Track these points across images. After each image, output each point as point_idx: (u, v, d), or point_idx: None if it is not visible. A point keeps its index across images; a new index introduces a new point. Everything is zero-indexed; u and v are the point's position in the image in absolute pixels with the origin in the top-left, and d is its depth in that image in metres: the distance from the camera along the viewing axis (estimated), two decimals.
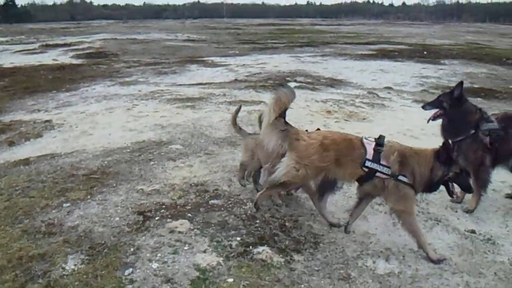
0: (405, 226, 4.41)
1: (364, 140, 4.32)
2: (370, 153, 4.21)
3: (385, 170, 4.20)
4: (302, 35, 36.16)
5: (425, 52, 23.32)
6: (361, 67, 17.54)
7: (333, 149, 4.26)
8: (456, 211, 5.72)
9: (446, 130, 5.75)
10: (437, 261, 4.40)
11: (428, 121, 5.97)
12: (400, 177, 4.20)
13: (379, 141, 4.30)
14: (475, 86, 14.52)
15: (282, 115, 4.38)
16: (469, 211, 5.69)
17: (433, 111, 5.92)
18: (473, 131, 5.55)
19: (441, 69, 17.45)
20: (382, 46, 25.90)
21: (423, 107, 6.00)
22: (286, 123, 4.43)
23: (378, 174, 4.22)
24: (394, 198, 4.28)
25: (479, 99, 12.65)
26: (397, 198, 4.26)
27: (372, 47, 25.54)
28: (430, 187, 4.36)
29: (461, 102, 5.69)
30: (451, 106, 5.61)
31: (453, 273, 4.44)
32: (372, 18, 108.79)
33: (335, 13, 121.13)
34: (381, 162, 4.19)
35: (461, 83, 5.80)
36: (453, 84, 13.84)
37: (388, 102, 11.34)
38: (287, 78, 14.41)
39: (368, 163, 4.21)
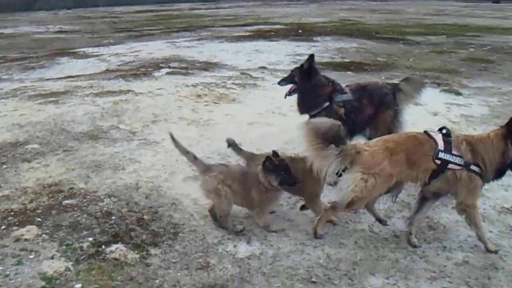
0: (471, 220, 4.27)
1: (430, 133, 4.12)
2: (441, 144, 3.99)
3: (458, 160, 3.98)
4: (180, 20, 35.40)
5: (300, 31, 23.69)
6: (236, 48, 17.46)
7: (401, 150, 4.00)
8: None
9: (301, 105, 5.75)
10: (495, 252, 4.37)
11: (285, 97, 5.94)
12: (472, 167, 3.99)
13: (447, 132, 4.12)
14: (346, 60, 14.98)
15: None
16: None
17: (289, 86, 5.90)
18: (327, 104, 5.59)
19: (314, 46, 17.81)
20: (259, 27, 26.00)
21: (278, 83, 5.97)
22: (335, 141, 4.03)
23: (450, 166, 3.98)
24: (466, 191, 4.08)
25: (349, 72, 13.07)
26: (468, 191, 4.07)
27: (249, 28, 25.57)
28: (501, 172, 4.16)
29: (312, 75, 5.71)
30: (302, 80, 5.59)
31: (314, 247, 4.44)
32: (251, 0, 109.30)
33: None
34: (453, 152, 3.96)
35: (311, 56, 5.81)
36: (325, 60, 14.25)
37: (260, 82, 11.34)
38: (161, 65, 13.97)
39: (441, 154, 3.96)
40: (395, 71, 13.26)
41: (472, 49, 17.96)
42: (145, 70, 13.20)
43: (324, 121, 4.25)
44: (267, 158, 4.19)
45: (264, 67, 13.90)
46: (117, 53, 17.46)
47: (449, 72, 13.18)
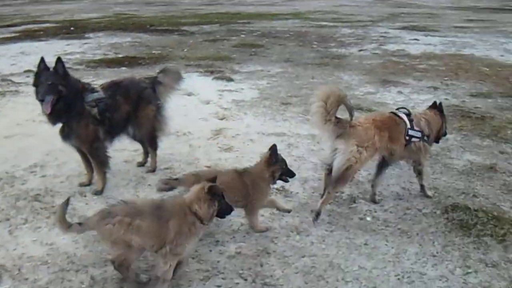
0: (422, 176, 5.20)
1: (399, 114, 4.86)
2: (408, 123, 4.77)
3: (418, 134, 4.80)
4: None
5: (72, 28, 22.31)
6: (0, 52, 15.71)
7: (386, 128, 4.67)
8: (85, 196, 5.24)
9: (58, 113, 5.00)
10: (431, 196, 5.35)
11: (50, 113, 5.03)
12: (425, 138, 4.88)
13: (408, 112, 4.93)
14: (120, 56, 14.36)
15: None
16: (97, 192, 5.27)
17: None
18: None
19: (86, 43, 16.86)
20: (27, 27, 23.91)
21: (42, 100, 4.81)
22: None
23: (413, 139, 4.78)
24: (422, 156, 4.98)
25: (123, 68, 12.53)
26: (423, 156, 4.99)
27: (16, 29, 23.35)
28: (438, 140, 5.30)
29: (69, 79, 5.09)
30: (66, 86, 4.90)
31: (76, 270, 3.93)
32: None
33: None
34: (415, 128, 4.78)
35: (59, 58, 5.12)
36: (98, 58, 13.46)
37: (24, 87, 10.23)
38: None
39: (410, 132, 4.75)
40: (170, 63, 13.05)
41: (243, 36, 18.63)
42: None
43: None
44: (210, 187, 3.52)
45: (30, 70, 12.59)
46: None
47: (222, 59, 13.41)
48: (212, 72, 11.52)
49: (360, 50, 15.03)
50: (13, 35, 20.48)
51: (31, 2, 64.36)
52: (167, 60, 13.62)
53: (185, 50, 15.36)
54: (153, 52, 15.10)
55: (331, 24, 22.98)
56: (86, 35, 18.98)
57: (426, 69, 11.99)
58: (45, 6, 50.95)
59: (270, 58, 13.73)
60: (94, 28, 21.66)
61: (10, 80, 11.19)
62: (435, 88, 9.97)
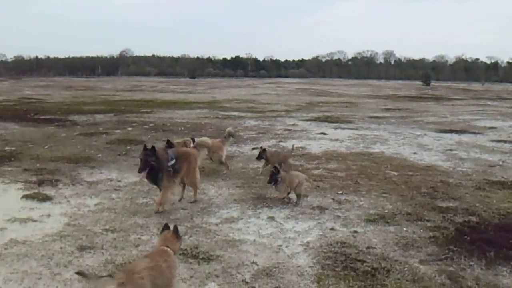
0: None
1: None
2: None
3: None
4: None
5: None
6: None
7: None
8: None
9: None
10: None
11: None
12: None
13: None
14: None
15: None
16: None
17: None
18: None
19: None
20: None
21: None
22: None
23: None
24: None
25: None
26: None
27: None
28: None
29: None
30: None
31: None
32: None
33: None
34: None
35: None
36: None
37: None
38: None
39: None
40: (15, 163, 9.98)
41: (130, 129, 15.91)
42: None
43: None
44: None
45: None
46: None
47: (79, 160, 10.48)
48: (41, 183, 8.48)
49: (254, 149, 12.44)
50: None
51: None
52: (15, 160, 10.52)
53: (47, 146, 12.35)
54: (6, 148, 11.98)
55: (240, 114, 20.70)
56: None
57: (321, 176, 9.38)
58: None
59: (129, 163, 10.87)
60: None
61: None
62: (322, 210, 7.24)
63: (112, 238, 5.79)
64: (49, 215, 6.64)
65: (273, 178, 7.49)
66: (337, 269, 4.99)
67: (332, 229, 6.30)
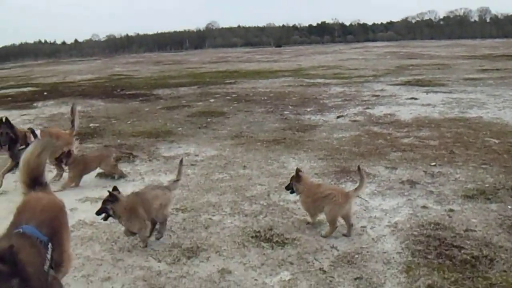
0: None
1: None
2: None
3: None
4: None
5: (45, 93, 19.96)
6: None
7: None
8: None
9: None
10: None
11: None
12: None
13: None
14: None
15: None
16: None
17: None
18: None
19: (24, 114, 14.11)
20: (2, 92, 21.89)
21: None
22: None
23: None
24: None
25: None
26: None
27: None
28: None
29: None
30: None
31: None
32: (45, 57, 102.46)
33: (3, 56, 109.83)
34: None
35: None
36: None
37: None
38: None
39: None
40: (97, 140, 10.05)
41: (212, 100, 15.64)
42: None
43: None
44: None
45: None
46: None
47: (160, 134, 10.33)
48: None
49: (339, 117, 11.71)
50: None
51: (52, 62, 63.94)
52: (97, 136, 10.62)
53: (129, 122, 12.34)
54: (90, 125, 12.11)
55: (325, 81, 19.86)
56: (34, 104, 16.21)
57: (411, 145, 8.53)
58: (57, 66, 49.67)
59: (219, 132, 10.57)
60: (65, 93, 19.25)
61: None
62: (413, 184, 6.45)
63: (182, 218, 5.41)
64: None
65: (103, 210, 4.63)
66: (429, 257, 4.26)
67: (424, 207, 5.53)
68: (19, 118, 13.51)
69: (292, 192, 5.18)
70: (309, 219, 5.10)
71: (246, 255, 4.42)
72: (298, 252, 4.45)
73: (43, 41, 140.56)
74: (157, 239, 4.74)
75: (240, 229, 5.03)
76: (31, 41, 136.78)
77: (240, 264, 4.26)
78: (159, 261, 4.37)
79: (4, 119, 6.55)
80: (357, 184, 4.99)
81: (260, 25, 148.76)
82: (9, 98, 19.04)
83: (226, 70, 30.62)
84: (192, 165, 7.87)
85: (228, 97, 16.09)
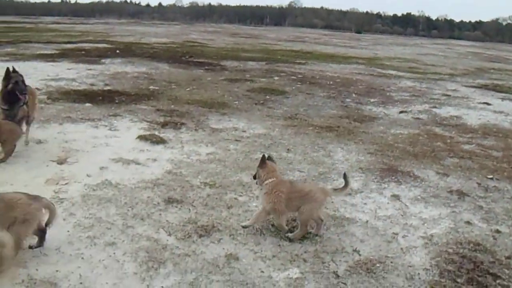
0: None
1: None
2: None
3: None
4: (22, 33, 30.65)
5: (117, 51, 20.40)
6: None
7: None
8: None
9: None
10: None
11: None
12: None
13: None
14: (106, 88, 11.66)
15: None
16: None
17: None
18: None
19: (90, 69, 14.35)
20: (79, 45, 22.53)
21: None
22: None
23: None
24: None
25: (87, 104, 9.73)
26: None
27: (66, 46, 21.85)
28: None
29: None
30: None
31: None
32: (128, 17, 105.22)
33: (89, 12, 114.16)
34: None
35: None
36: (76, 88, 10.67)
37: None
38: None
39: None
40: (152, 102, 10.06)
41: (276, 78, 15.35)
42: None
43: None
44: None
45: None
46: None
47: (214, 106, 10.22)
48: (165, 125, 8.29)
49: (401, 112, 11.14)
50: (49, 52, 18.66)
51: (129, 23, 65.43)
52: (153, 99, 10.64)
53: (188, 89, 12.30)
54: (150, 87, 12.17)
55: (398, 73, 19.07)
56: (102, 60, 16.51)
57: (471, 153, 7.92)
58: (135, 27, 50.72)
59: (274, 111, 10.31)
60: (136, 54, 19.52)
61: None
62: (462, 196, 5.93)
63: (207, 194, 5.21)
64: (155, 160, 6.28)
65: None
66: (458, 280, 3.84)
67: (468, 222, 5.05)
68: (84, 72, 13.77)
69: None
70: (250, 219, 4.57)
71: (260, 243, 4.17)
72: (316, 249, 4.15)
73: (128, 1, 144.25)
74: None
75: None
76: (117, 0, 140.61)
77: (251, 252, 4.02)
78: (169, 235, 4.20)
79: (12, 69, 5.75)
80: (341, 186, 4.55)
81: (344, 9, 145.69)
82: (83, 52, 19.48)
83: (300, 50, 30.12)
84: (236, 140, 7.65)
85: (293, 77, 15.73)
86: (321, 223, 4.42)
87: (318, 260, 3.94)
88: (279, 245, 4.13)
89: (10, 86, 5.58)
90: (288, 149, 7.29)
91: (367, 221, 4.83)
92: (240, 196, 5.23)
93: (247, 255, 3.93)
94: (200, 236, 4.18)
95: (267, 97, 11.83)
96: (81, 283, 3.42)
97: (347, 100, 12.28)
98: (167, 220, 4.46)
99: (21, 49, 19.16)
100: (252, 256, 3.91)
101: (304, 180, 5.88)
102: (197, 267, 3.70)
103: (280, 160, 6.60)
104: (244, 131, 8.29)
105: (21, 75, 5.75)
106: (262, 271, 3.70)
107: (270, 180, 4.30)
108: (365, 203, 5.36)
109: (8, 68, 5.81)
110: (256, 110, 10.22)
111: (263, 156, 4.45)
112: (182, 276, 3.57)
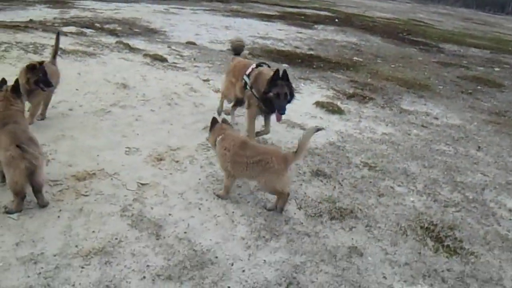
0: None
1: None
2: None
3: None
4: None
5: (336, 20, 20.42)
6: (217, 22, 14.68)
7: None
8: None
9: None
10: None
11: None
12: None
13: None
14: (310, 52, 11.67)
15: None
16: None
17: None
18: None
19: (301, 32, 14.48)
20: (302, 11, 23.00)
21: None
22: None
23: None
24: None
25: (284, 65, 9.78)
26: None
27: (288, 10, 22.51)
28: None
29: None
30: None
31: None
32: None
33: None
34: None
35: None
36: (280, 48, 10.89)
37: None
38: (96, 24, 11.57)
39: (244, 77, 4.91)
40: (349, 73, 9.75)
41: (497, 69, 13.64)
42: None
43: None
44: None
45: (191, 43, 11.01)
46: None
47: (416, 87, 9.44)
48: (350, 97, 7.84)
49: None
50: (269, 13, 19.48)
51: None
52: (351, 71, 10.27)
53: (393, 66, 11.61)
54: (353, 58, 11.78)
55: None
56: (315, 26, 16.48)
57: None
58: (364, 0, 50.19)
59: (481, 103, 9.16)
60: (354, 25, 19.37)
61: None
62: None
63: (361, 175, 4.68)
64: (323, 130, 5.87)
65: None
66: None
67: None
68: (293, 34, 13.84)
69: None
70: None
71: (397, 244, 3.56)
72: (464, 271, 3.35)
73: None
74: None
75: (414, 212, 4.07)
76: None
77: (382, 251, 3.45)
78: (299, 208, 3.83)
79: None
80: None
81: None
82: (302, 17, 19.70)
83: None
84: (422, 126, 6.87)
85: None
86: (286, 198, 3.63)
87: (462, 286, 3.16)
88: (419, 253, 3.44)
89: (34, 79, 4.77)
90: (479, 147, 6.27)
91: None
92: (399, 186, 4.57)
93: (375, 253, 3.34)
94: (332, 218, 3.70)
95: (478, 87, 10.51)
96: (185, 232, 3.24)
97: None
98: (305, 193, 4.06)
99: (246, 8, 20.08)
100: (381, 257, 3.31)
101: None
102: (311, 250, 3.26)
103: (463, 157, 5.71)
104: (436, 118, 7.40)
105: (43, 67, 4.85)
106: (385, 277, 3.10)
107: (219, 138, 3.74)
108: None
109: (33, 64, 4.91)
110: (459, 99, 9.11)
111: (213, 119, 3.90)
112: (290, 256, 3.16)
